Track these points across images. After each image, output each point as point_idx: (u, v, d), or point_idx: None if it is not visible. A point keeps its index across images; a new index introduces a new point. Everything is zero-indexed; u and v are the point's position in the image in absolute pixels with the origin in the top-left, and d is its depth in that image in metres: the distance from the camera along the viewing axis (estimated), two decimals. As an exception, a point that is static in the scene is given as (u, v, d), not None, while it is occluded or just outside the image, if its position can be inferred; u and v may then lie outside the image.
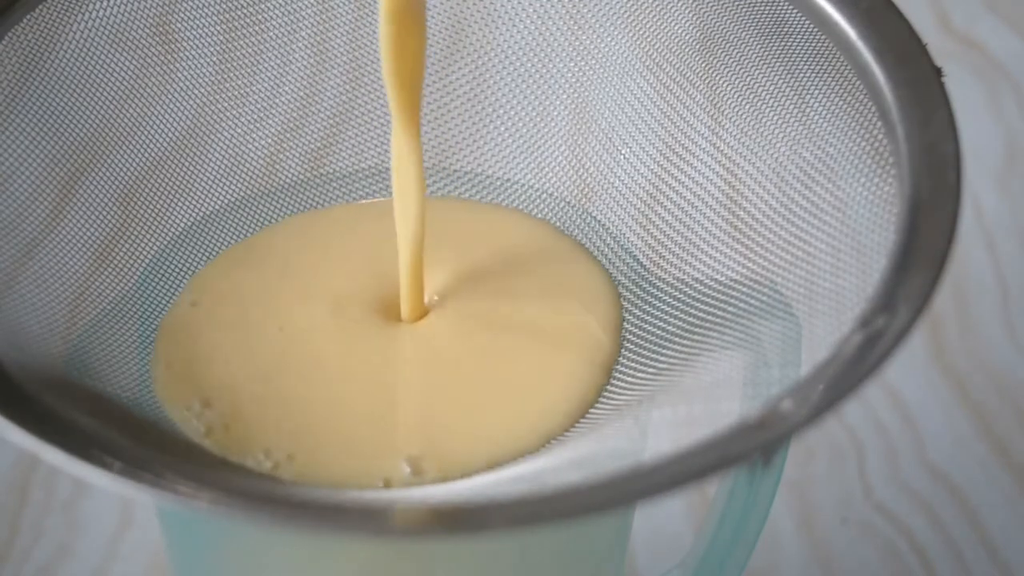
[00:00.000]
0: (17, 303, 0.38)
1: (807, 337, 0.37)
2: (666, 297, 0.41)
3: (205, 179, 0.44)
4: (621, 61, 0.44)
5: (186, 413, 0.39)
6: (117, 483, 0.32)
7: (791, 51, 0.40)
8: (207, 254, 0.43)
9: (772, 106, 0.41)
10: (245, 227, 0.44)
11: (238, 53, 0.44)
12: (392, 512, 0.34)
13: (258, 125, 0.45)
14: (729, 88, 0.42)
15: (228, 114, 0.44)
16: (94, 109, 0.42)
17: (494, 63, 0.45)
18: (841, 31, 0.39)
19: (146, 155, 0.43)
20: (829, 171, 0.39)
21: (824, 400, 0.32)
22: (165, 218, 0.43)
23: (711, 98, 0.43)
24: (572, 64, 0.44)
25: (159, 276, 0.42)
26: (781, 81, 0.41)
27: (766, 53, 0.41)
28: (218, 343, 0.40)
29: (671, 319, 0.41)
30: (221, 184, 0.44)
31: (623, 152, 0.44)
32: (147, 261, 0.42)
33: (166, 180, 0.43)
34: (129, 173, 0.43)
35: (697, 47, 0.43)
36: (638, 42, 0.43)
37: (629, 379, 0.40)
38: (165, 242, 0.43)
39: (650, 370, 0.40)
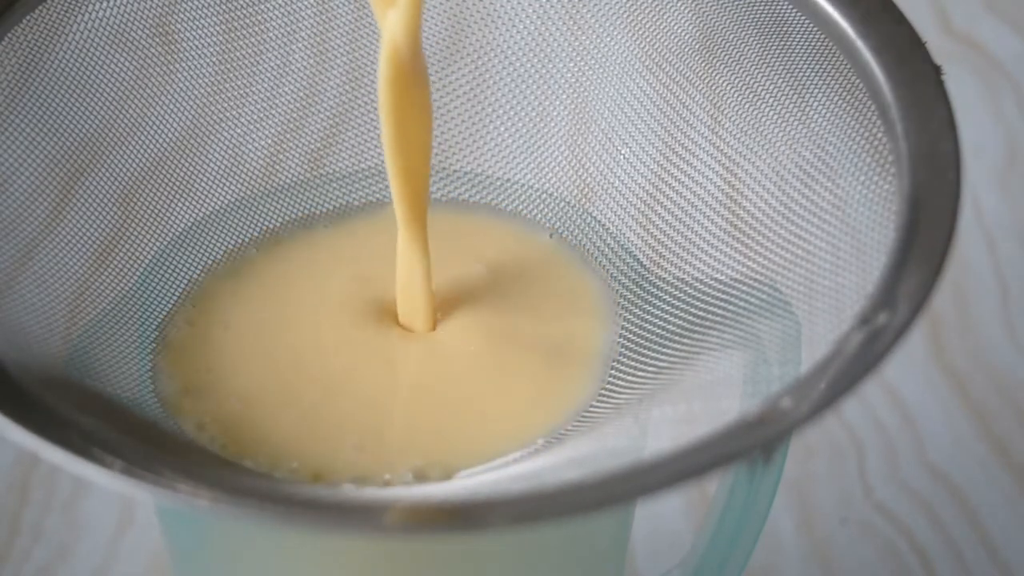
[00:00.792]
0: (17, 303, 0.38)
1: (807, 335, 0.37)
2: (666, 297, 0.41)
3: (205, 179, 0.44)
4: (621, 61, 0.44)
5: (186, 420, 0.39)
6: (117, 482, 0.32)
7: (791, 50, 0.40)
8: (207, 254, 0.43)
9: (772, 105, 0.41)
10: (245, 228, 0.44)
11: (238, 53, 0.44)
12: (392, 511, 0.34)
13: (258, 125, 0.45)
14: (729, 88, 0.42)
15: (228, 114, 0.44)
16: (94, 109, 0.42)
17: (494, 63, 0.45)
18: (841, 30, 0.39)
19: (146, 155, 0.43)
20: (829, 170, 0.39)
21: (824, 397, 0.32)
22: (165, 218, 0.43)
23: (711, 98, 0.43)
24: (572, 64, 0.44)
25: (159, 276, 0.42)
26: (781, 80, 0.41)
27: (766, 53, 0.41)
28: (222, 351, 0.40)
29: (671, 318, 0.41)
30: (221, 184, 0.44)
31: (623, 152, 0.44)
32: (147, 261, 0.42)
33: (166, 180, 0.43)
34: (129, 173, 0.43)
35: (697, 47, 0.43)
36: (638, 42, 0.43)
37: (629, 378, 0.40)
38: (165, 242, 0.43)
39: (650, 369, 0.40)
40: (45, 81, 0.41)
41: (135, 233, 0.42)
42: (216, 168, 0.44)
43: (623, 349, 0.41)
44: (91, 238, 0.41)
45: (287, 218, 0.44)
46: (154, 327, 0.41)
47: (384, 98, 0.38)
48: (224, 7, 0.44)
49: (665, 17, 0.43)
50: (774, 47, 0.41)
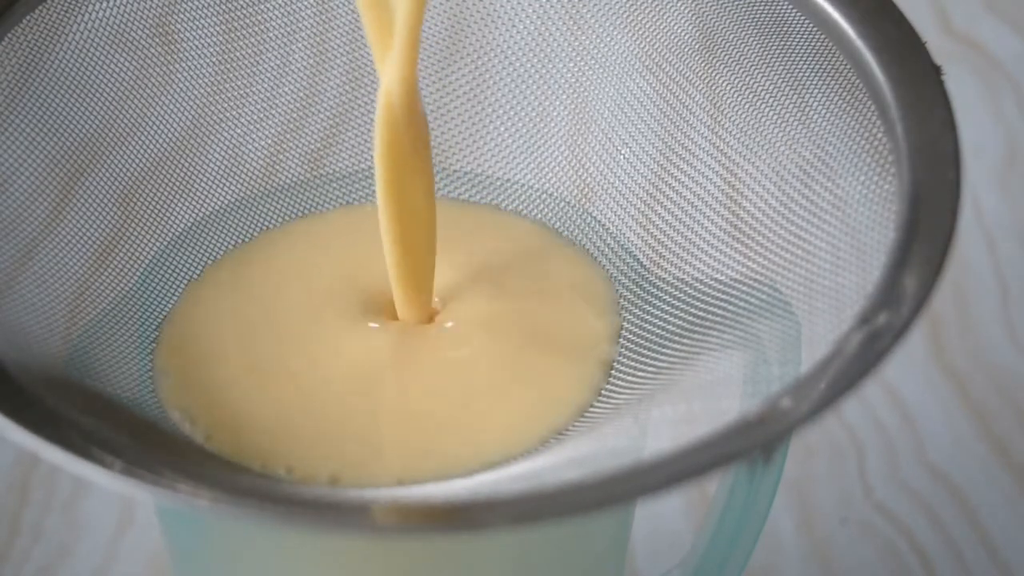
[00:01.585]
0: (17, 303, 0.38)
1: (807, 335, 0.37)
2: (666, 297, 0.41)
3: (205, 179, 0.44)
4: (621, 61, 0.44)
5: (186, 421, 0.39)
6: (117, 482, 0.32)
7: (791, 50, 0.40)
8: (207, 254, 0.43)
9: (772, 105, 0.41)
10: (245, 228, 0.44)
11: (238, 53, 0.44)
12: (392, 511, 0.34)
13: (258, 125, 0.45)
14: (729, 88, 0.42)
15: (228, 114, 0.44)
16: (94, 109, 0.42)
17: (494, 63, 0.45)
18: (841, 30, 0.39)
19: (146, 155, 0.43)
20: (828, 169, 0.39)
21: (824, 397, 0.32)
22: (165, 218, 0.43)
23: (711, 98, 0.43)
24: (572, 64, 0.44)
25: (159, 276, 0.42)
26: (781, 80, 0.41)
27: (766, 53, 0.41)
28: (222, 352, 0.40)
29: (671, 318, 0.41)
30: (221, 184, 0.44)
31: (623, 152, 0.44)
32: (147, 261, 0.42)
33: (166, 180, 0.43)
34: (129, 173, 0.43)
35: (697, 47, 0.43)
36: (638, 42, 0.43)
37: (629, 378, 0.40)
38: (165, 242, 0.43)
39: (650, 369, 0.40)
40: (45, 81, 0.41)
41: (135, 233, 0.42)
42: (216, 168, 0.44)
43: (623, 349, 0.41)
44: (91, 238, 0.41)
45: (287, 218, 0.44)
46: (154, 327, 0.41)
47: (380, 165, 0.38)
48: (224, 7, 0.44)
49: (665, 17, 0.43)
50: (774, 47, 0.41)
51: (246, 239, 0.44)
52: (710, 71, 0.43)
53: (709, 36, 0.42)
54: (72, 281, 0.40)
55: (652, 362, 0.40)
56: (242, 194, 0.44)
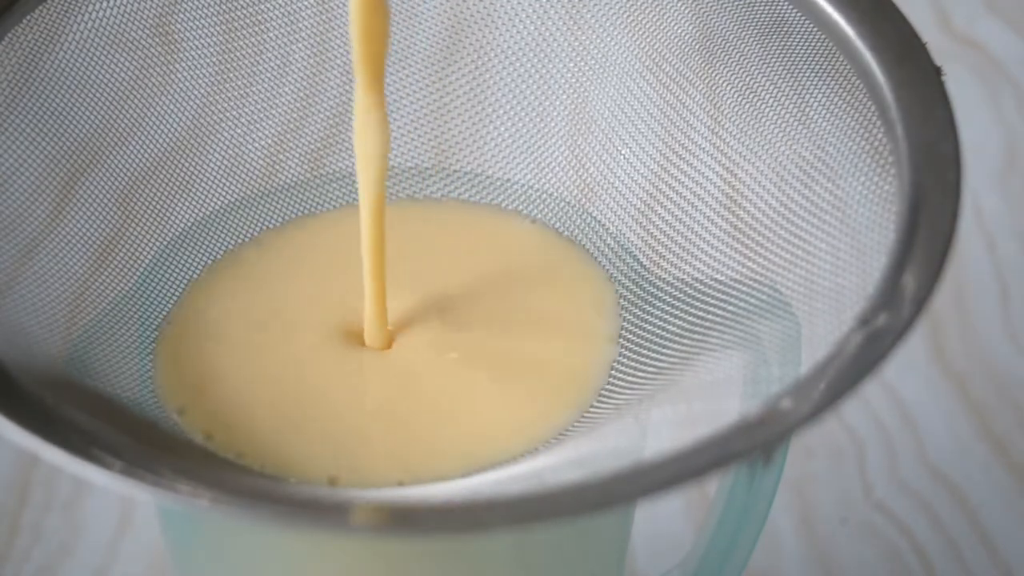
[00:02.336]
0: (17, 303, 0.38)
1: (807, 336, 0.37)
2: (666, 297, 0.41)
3: (205, 179, 0.44)
4: (621, 61, 0.44)
5: (186, 421, 0.39)
6: (117, 482, 0.32)
7: (791, 51, 0.40)
8: (207, 254, 0.43)
9: (772, 106, 0.41)
10: (245, 228, 0.44)
11: (238, 53, 0.44)
12: (393, 511, 0.34)
13: (258, 125, 0.45)
14: (729, 88, 0.42)
15: (228, 114, 0.44)
16: (94, 109, 0.42)
17: (494, 63, 0.45)
18: (841, 31, 0.39)
19: (146, 155, 0.43)
20: (829, 170, 0.39)
21: (824, 398, 0.32)
22: (165, 218, 0.43)
23: (711, 98, 0.43)
24: (572, 64, 0.44)
25: (159, 276, 0.42)
26: (781, 81, 0.41)
27: (766, 53, 0.41)
28: (222, 352, 0.40)
29: (671, 319, 0.41)
30: (221, 184, 0.44)
31: (623, 152, 0.44)
32: (147, 261, 0.42)
33: (166, 180, 0.43)
34: (129, 173, 0.43)
35: (697, 47, 0.43)
36: (638, 42, 0.43)
37: (629, 379, 0.40)
38: (165, 242, 0.43)
39: (650, 369, 0.40)
40: (45, 81, 0.41)
41: (135, 233, 0.42)
42: (216, 168, 0.44)
43: (623, 349, 0.41)
44: (91, 238, 0.41)
45: (287, 218, 0.44)
46: (154, 327, 0.41)
47: None
48: (224, 7, 0.44)
49: (665, 17, 0.43)
50: (774, 47, 0.41)
51: (246, 239, 0.44)
52: (710, 71, 0.43)
53: (709, 36, 0.42)
54: (72, 281, 0.40)
55: (652, 362, 0.40)
56: (242, 194, 0.44)
